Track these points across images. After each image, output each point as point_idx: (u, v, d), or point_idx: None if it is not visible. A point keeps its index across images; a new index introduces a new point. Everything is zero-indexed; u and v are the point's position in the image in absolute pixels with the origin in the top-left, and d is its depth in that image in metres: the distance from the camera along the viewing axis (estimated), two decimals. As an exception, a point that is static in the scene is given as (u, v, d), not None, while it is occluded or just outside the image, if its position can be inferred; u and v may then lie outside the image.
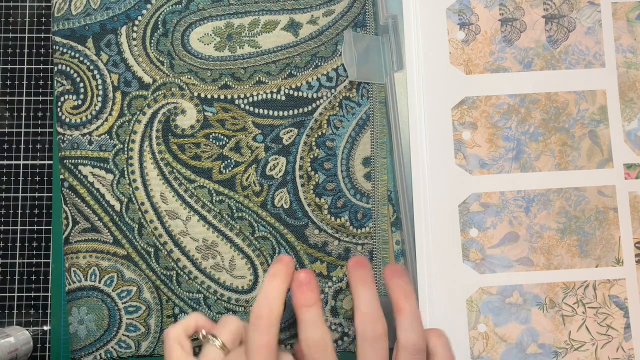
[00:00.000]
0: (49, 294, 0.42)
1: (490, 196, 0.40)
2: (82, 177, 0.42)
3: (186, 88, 0.42)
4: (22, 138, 0.43)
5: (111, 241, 0.41)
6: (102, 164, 0.42)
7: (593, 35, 0.41)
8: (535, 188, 0.40)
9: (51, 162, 0.43)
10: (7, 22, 0.43)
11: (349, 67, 0.41)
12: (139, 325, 0.41)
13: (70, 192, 0.41)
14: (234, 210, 0.42)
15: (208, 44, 0.42)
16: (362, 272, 0.35)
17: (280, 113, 0.42)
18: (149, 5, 0.42)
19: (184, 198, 0.42)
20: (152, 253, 0.41)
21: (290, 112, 0.42)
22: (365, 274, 0.35)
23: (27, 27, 0.43)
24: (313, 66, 0.42)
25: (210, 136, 0.42)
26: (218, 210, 0.42)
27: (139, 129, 0.42)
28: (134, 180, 0.42)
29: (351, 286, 0.35)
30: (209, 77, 0.42)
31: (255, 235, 0.42)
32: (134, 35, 0.42)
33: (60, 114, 0.42)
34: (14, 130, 0.43)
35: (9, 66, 0.43)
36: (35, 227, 0.42)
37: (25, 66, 0.43)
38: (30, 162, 0.43)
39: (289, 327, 0.41)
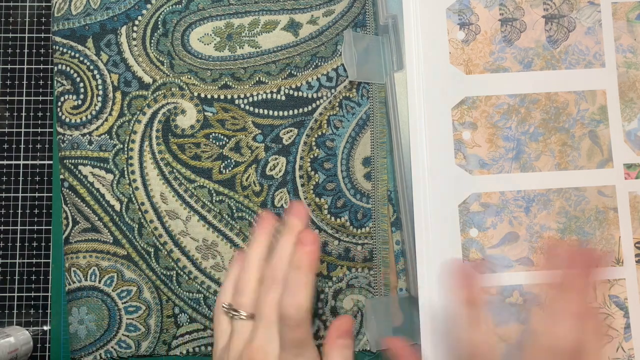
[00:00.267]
0: (49, 294, 0.42)
1: (490, 196, 0.40)
2: (82, 177, 0.42)
3: (186, 88, 0.42)
4: (22, 138, 0.43)
5: (111, 241, 0.41)
6: (102, 164, 0.42)
7: (593, 35, 0.41)
8: (535, 188, 0.40)
9: (51, 162, 0.43)
10: (7, 22, 0.43)
11: (349, 67, 0.41)
12: (139, 325, 0.41)
13: (70, 192, 0.41)
14: (234, 210, 0.42)
15: (208, 44, 0.42)
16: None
17: (280, 113, 0.42)
18: (149, 5, 0.42)
19: (184, 198, 0.42)
20: (152, 253, 0.41)
21: (290, 112, 0.42)
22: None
23: (27, 27, 0.43)
24: (313, 66, 0.42)
25: (210, 136, 0.42)
26: (218, 210, 0.42)
27: (139, 129, 0.42)
28: (134, 180, 0.42)
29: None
30: (209, 77, 0.42)
31: (255, 235, 0.42)
32: (134, 35, 0.42)
33: (60, 114, 0.42)
34: (14, 130, 0.43)
35: (9, 66, 0.43)
36: (35, 227, 0.42)
37: (25, 66, 0.43)
38: (30, 162, 0.43)
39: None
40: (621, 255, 0.40)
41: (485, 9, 0.41)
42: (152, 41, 0.42)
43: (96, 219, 0.41)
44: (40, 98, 0.43)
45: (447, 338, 0.35)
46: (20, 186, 0.43)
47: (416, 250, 0.39)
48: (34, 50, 0.43)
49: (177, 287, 0.41)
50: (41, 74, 0.43)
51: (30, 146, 0.43)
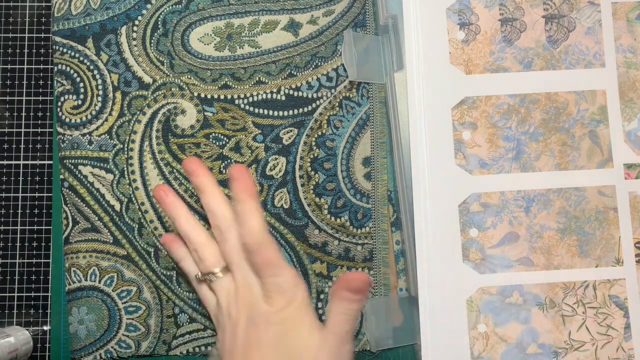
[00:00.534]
0: (49, 294, 0.42)
1: (490, 196, 0.40)
2: (82, 177, 0.42)
3: (186, 88, 0.42)
4: (22, 138, 0.43)
5: (111, 241, 0.41)
6: (102, 164, 0.42)
7: (593, 35, 0.41)
8: (535, 188, 0.40)
9: (51, 162, 0.43)
10: (7, 22, 0.43)
11: (349, 67, 0.41)
12: (139, 325, 0.41)
13: (70, 192, 0.41)
14: (234, 210, 0.42)
15: (208, 44, 0.42)
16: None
17: (280, 113, 0.42)
18: (149, 5, 0.42)
19: (184, 198, 0.42)
20: (152, 253, 0.41)
21: (290, 112, 0.42)
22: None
23: (27, 27, 0.43)
24: (313, 66, 0.42)
25: (210, 136, 0.42)
26: (218, 210, 0.42)
27: (139, 129, 0.42)
28: (134, 180, 0.42)
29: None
30: (209, 77, 0.42)
31: (255, 235, 0.42)
32: (134, 35, 0.42)
33: (60, 114, 0.42)
34: (14, 130, 0.43)
35: (9, 66, 0.43)
36: (35, 227, 0.42)
37: (25, 66, 0.43)
38: (30, 162, 0.43)
39: None
40: (621, 255, 0.40)
41: (485, 9, 0.41)
42: (152, 41, 0.42)
43: (96, 219, 0.41)
44: (40, 98, 0.43)
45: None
46: (20, 186, 0.43)
47: (416, 250, 0.39)
48: (34, 50, 0.43)
49: (177, 287, 0.41)
50: (41, 74, 0.43)
51: (30, 146, 0.43)
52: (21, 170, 0.43)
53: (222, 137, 0.42)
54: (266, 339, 0.33)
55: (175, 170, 0.42)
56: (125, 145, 0.42)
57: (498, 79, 0.41)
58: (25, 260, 0.42)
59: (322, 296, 0.41)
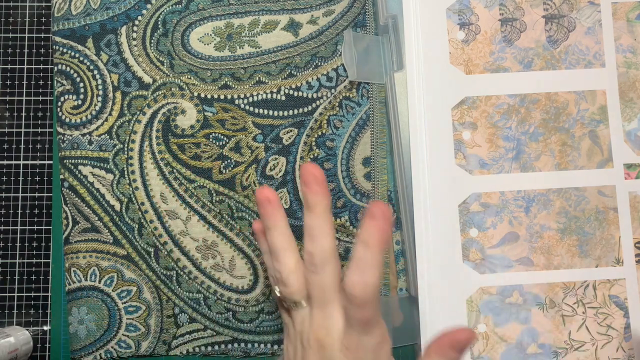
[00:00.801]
0: (49, 294, 0.42)
1: (490, 196, 0.40)
2: (82, 177, 0.42)
3: (186, 88, 0.42)
4: (22, 138, 0.43)
5: (111, 241, 0.41)
6: (102, 164, 0.42)
7: (593, 35, 0.41)
8: (535, 188, 0.40)
9: (51, 162, 0.43)
10: (7, 22, 0.43)
11: (349, 67, 0.41)
12: (139, 325, 0.41)
13: (70, 192, 0.41)
14: (234, 210, 0.42)
15: (208, 44, 0.42)
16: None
17: (280, 113, 0.42)
18: (149, 5, 0.42)
19: (184, 198, 0.42)
20: (152, 253, 0.41)
21: (290, 112, 0.42)
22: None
23: (27, 27, 0.43)
24: (313, 66, 0.42)
25: (210, 136, 0.42)
26: (218, 210, 0.42)
27: (139, 129, 0.42)
28: (134, 180, 0.42)
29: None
30: (209, 77, 0.42)
31: (255, 235, 0.42)
32: (134, 35, 0.42)
33: (60, 114, 0.42)
34: (14, 130, 0.43)
35: (9, 66, 0.43)
36: (35, 227, 0.42)
37: (25, 66, 0.43)
38: (30, 162, 0.43)
39: None
40: (621, 255, 0.40)
41: (485, 9, 0.41)
42: (152, 41, 0.42)
43: (96, 219, 0.41)
44: (40, 98, 0.43)
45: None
46: (20, 186, 0.43)
47: (416, 250, 0.39)
48: (34, 50, 0.43)
49: (177, 287, 0.41)
50: (41, 74, 0.43)
51: (30, 146, 0.43)
52: (21, 170, 0.43)
53: (222, 137, 0.42)
54: None
55: (175, 170, 0.42)
56: (125, 145, 0.42)
57: (498, 79, 0.41)
58: (25, 260, 0.42)
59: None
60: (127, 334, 0.41)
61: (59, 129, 0.42)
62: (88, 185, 0.42)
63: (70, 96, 0.42)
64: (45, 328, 0.42)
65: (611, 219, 0.40)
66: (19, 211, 0.42)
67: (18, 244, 0.42)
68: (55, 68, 0.42)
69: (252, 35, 0.42)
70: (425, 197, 0.40)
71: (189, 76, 0.42)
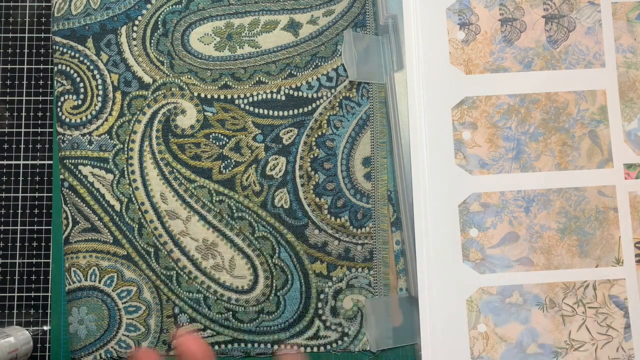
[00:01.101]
0: (49, 294, 0.42)
1: (490, 196, 0.40)
2: (82, 177, 0.42)
3: (186, 88, 0.42)
4: (22, 138, 0.43)
5: (111, 241, 0.41)
6: (102, 164, 0.42)
7: (593, 35, 0.41)
8: (535, 188, 0.40)
9: (51, 162, 0.43)
10: (7, 22, 0.43)
11: (349, 67, 0.41)
12: (139, 325, 0.41)
13: (70, 192, 0.41)
14: (234, 210, 0.42)
15: (208, 44, 0.42)
16: None
17: (280, 113, 0.42)
18: (149, 5, 0.42)
19: (184, 198, 0.42)
20: (152, 253, 0.41)
21: (290, 112, 0.42)
22: None
23: (27, 27, 0.43)
24: (313, 66, 0.42)
25: (210, 136, 0.42)
26: (218, 210, 0.42)
27: (139, 129, 0.42)
28: (134, 180, 0.42)
29: None
30: (209, 77, 0.42)
31: (255, 235, 0.42)
32: (134, 35, 0.42)
33: (60, 114, 0.42)
34: (14, 130, 0.43)
35: (9, 66, 0.43)
36: (35, 227, 0.42)
37: (25, 66, 0.43)
38: (30, 162, 0.43)
39: (288, 327, 0.41)
40: (621, 255, 0.40)
41: (485, 9, 0.41)
42: (152, 41, 0.42)
43: (96, 219, 0.41)
44: (40, 98, 0.43)
45: None
46: (20, 186, 0.43)
47: (416, 250, 0.39)
48: (34, 50, 0.43)
49: (177, 287, 0.41)
50: (41, 74, 0.43)
51: (30, 146, 0.43)
52: (21, 170, 0.43)
53: (222, 137, 0.42)
54: None
55: (175, 170, 0.42)
56: (125, 145, 0.42)
57: (498, 79, 0.41)
58: (25, 260, 0.42)
59: (322, 296, 0.41)
60: (127, 334, 0.41)
61: (59, 129, 0.42)
62: (88, 185, 0.42)
63: (70, 96, 0.42)
64: (45, 328, 0.42)
65: (611, 219, 0.40)
66: (19, 211, 0.42)
67: (18, 244, 0.42)
68: (55, 68, 0.42)
69: (252, 35, 0.42)
70: (425, 197, 0.40)
71: (189, 76, 0.42)
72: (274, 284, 0.41)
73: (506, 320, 0.39)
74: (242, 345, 0.41)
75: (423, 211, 0.39)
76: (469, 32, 0.41)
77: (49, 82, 0.43)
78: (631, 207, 0.40)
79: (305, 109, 0.42)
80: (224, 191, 0.42)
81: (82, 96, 0.42)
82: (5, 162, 0.43)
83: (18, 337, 0.40)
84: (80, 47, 0.42)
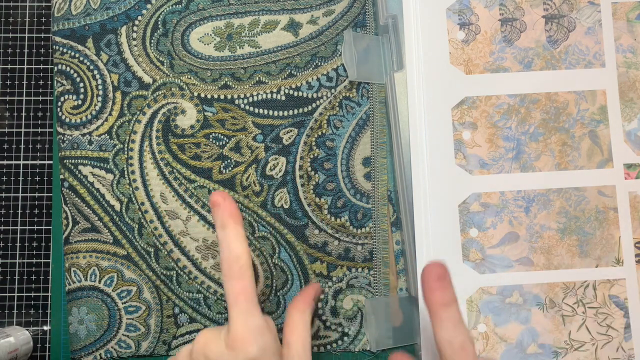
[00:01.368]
0: (49, 294, 0.42)
1: (490, 196, 0.40)
2: (82, 177, 0.42)
3: (186, 88, 0.42)
4: (22, 138, 0.43)
5: (111, 241, 0.41)
6: (102, 164, 0.42)
7: (593, 35, 0.41)
8: (535, 188, 0.40)
9: (51, 162, 0.43)
10: (7, 22, 0.43)
11: (349, 67, 0.41)
12: (139, 325, 0.41)
13: (70, 192, 0.41)
14: (234, 210, 0.42)
15: (208, 44, 0.42)
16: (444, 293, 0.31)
17: (280, 113, 0.42)
18: (149, 5, 0.42)
19: (184, 198, 0.42)
20: (152, 253, 0.41)
21: (290, 112, 0.42)
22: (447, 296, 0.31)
23: (27, 27, 0.43)
24: (313, 66, 0.42)
25: (210, 136, 0.42)
26: (218, 210, 0.42)
27: (139, 129, 0.42)
28: (134, 180, 0.42)
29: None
30: (209, 77, 0.42)
31: (255, 235, 0.42)
32: (134, 35, 0.42)
33: (60, 114, 0.42)
34: (14, 130, 0.43)
35: (9, 66, 0.43)
36: (35, 227, 0.42)
37: (25, 66, 0.43)
38: (30, 162, 0.43)
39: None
40: (621, 255, 0.40)
41: (485, 9, 0.41)
42: (152, 41, 0.42)
43: (96, 219, 0.41)
44: (40, 98, 0.43)
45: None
46: (20, 186, 0.43)
47: (416, 250, 0.39)
48: (34, 50, 0.43)
49: (177, 287, 0.41)
50: (41, 74, 0.43)
51: (30, 146, 0.43)
52: (21, 170, 0.43)
53: (222, 137, 0.42)
54: None
55: (175, 170, 0.42)
56: (125, 145, 0.42)
57: (498, 79, 0.41)
58: (25, 260, 0.42)
59: (322, 296, 0.41)
60: (127, 334, 0.41)
61: (59, 129, 0.42)
62: (88, 185, 0.42)
63: (70, 96, 0.42)
64: (45, 328, 0.42)
65: (611, 219, 0.40)
66: (19, 211, 0.42)
67: (18, 244, 0.42)
68: (55, 68, 0.42)
69: (252, 35, 0.42)
70: (425, 197, 0.40)
71: (189, 76, 0.42)
72: (274, 284, 0.41)
73: (506, 320, 0.39)
74: (242, 345, 0.41)
75: (423, 211, 0.39)
76: (469, 32, 0.41)
77: (49, 82, 0.43)
78: (631, 207, 0.40)
79: (305, 109, 0.42)
80: (224, 191, 0.42)
81: (82, 96, 0.42)
82: (5, 162, 0.43)
83: (18, 337, 0.40)
84: (80, 47, 0.42)
